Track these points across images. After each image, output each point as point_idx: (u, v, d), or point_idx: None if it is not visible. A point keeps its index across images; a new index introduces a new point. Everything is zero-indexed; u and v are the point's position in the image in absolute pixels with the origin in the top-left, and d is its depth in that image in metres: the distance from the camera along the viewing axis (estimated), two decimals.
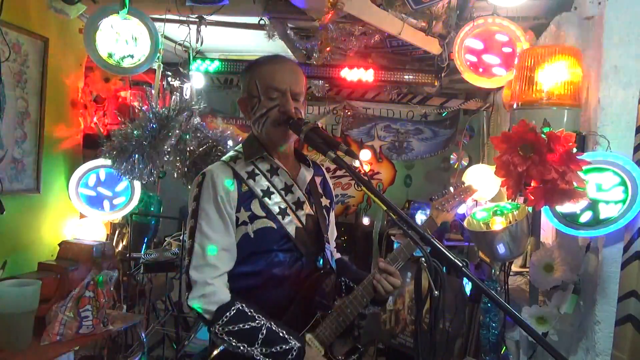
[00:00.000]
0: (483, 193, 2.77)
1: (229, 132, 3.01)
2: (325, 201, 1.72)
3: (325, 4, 2.65)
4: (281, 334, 1.45)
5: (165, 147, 2.74)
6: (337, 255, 1.85)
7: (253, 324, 1.43)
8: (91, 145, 3.35)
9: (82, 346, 2.58)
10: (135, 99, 3.33)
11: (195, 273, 1.45)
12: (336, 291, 1.74)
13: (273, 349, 1.42)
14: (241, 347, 1.42)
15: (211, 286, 1.44)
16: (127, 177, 2.81)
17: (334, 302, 1.66)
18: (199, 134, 2.88)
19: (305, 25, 3.56)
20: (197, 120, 2.90)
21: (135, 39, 2.87)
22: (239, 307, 1.44)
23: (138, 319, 2.85)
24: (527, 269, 2.56)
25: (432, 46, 3.17)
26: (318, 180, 1.74)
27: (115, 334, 2.94)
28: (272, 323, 1.46)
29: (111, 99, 3.41)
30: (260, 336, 1.42)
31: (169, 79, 4.04)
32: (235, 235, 1.51)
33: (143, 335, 2.88)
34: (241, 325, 1.42)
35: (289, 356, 1.43)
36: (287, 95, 1.54)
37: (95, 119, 3.37)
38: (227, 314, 1.43)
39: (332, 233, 1.80)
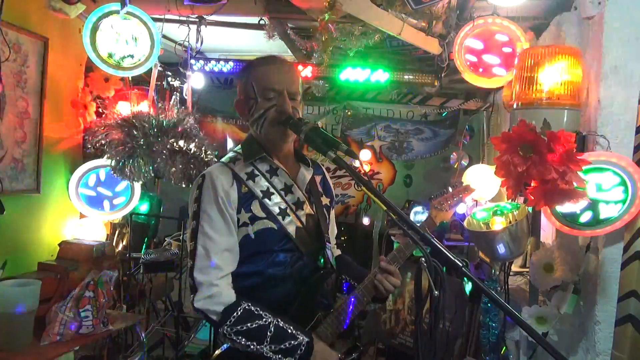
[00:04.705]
0: (483, 193, 2.77)
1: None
2: (325, 200, 1.73)
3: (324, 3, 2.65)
4: (289, 330, 1.46)
5: (162, 149, 2.75)
6: (338, 252, 1.86)
7: (261, 322, 1.44)
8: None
9: (82, 346, 2.58)
10: (137, 101, 3.33)
11: (200, 275, 1.46)
12: (337, 289, 1.74)
13: (282, 346, 1.43)
14: (251, 346, 1.43)
15: (216, 287, 1.45)
16: (126, 179, 2.81)
17: (334, 301, 1.67)
18: (192, 137, 2.88)
19: (305, 25, 3.56)
20: (191, 122, 2.89)
21: (136, 39, 2.87)
22: (245, 307, 1.45)
23: (138, 319, 2.85)
24: (527, 269, 2.56)
25: (432, 46, 3.17)
26: (318, 179, 1.74)
27: (115, 334, 2.94)
28: (280, 320, 1.47)
29: (111, 99, 3.41)
30: (269, 334, 1.43)
31: (169, 79, 4.03)
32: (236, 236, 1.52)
33: (143, 335, 2.88)
34: (249, 325, 1.43)
35: (299, 351, 1.44)
36: (284, 95, 1.54)
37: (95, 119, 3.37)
38: (235, 314, 1.43)
39: (333, 231, 1.81)
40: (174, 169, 2.80)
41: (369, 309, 1.73)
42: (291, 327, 1.46)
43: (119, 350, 3.21)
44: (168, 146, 2.78)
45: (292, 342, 1.44)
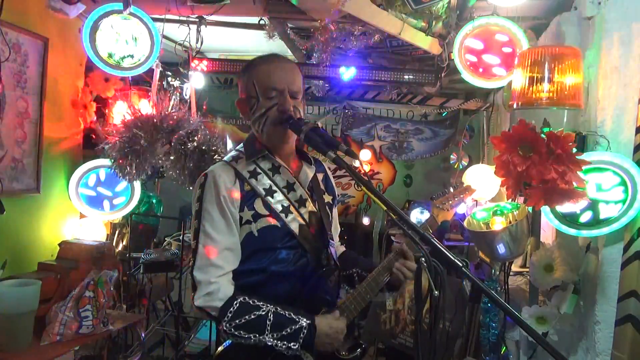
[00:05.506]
0: (483, 193, 2.77)
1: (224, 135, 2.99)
2: (327, 197, 1.73)
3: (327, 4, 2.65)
4: (288, 316, 1.46)
5: (163, 148, 2.74)
6: (342, 249, 1.87)
7: (258, 313, 1.44)
8: (91, 145, 3.35)
9: (82, 346, 2.58)
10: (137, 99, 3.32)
11: (200, 273, 1.46)
12: (349, 283, 1.76)
13: (284, 332, 1.43)
14: (253, 338, 1.43)
15: (215, 284, 1.45)
16: (126, 178, 2.81)
17: (338, 298, 1.67)
18: (197, 135, 2.87)
19: (305, 25, 3.56)
20: (196, 121, 2.89)
21: (135, 39, 2.87)
22: (241, 300, 1.45)
23: (138, 319, 2.85)
24: (527, 269, 2.56)
25: (432, 46, 3.17)
26: (320, 176, 1.75)
27: (115, 334, 2.94)
28: (277, 307, 1.47)
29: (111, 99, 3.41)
30: (268, 322, 1.43)
31: (169, 79, 4.03)
32: (239, 234, 1.52)
33: (143, 335, 2.88)
34: (247, 317, 1.43)
35: (301, 335, 1.44)
36: (285, 94, 1.54)
37: (95, 119, 3.37)
38: (231, 309, 1.44)
39: (335, 228, 1.81)
40: (185, 172, 2.80)
41: (388, 298, 1.71)
42: (290, 313, 1.47)
43: (119, 350, 3.21)
44: (174, 146, 2.77)
45: (293, 326, 1.44)
